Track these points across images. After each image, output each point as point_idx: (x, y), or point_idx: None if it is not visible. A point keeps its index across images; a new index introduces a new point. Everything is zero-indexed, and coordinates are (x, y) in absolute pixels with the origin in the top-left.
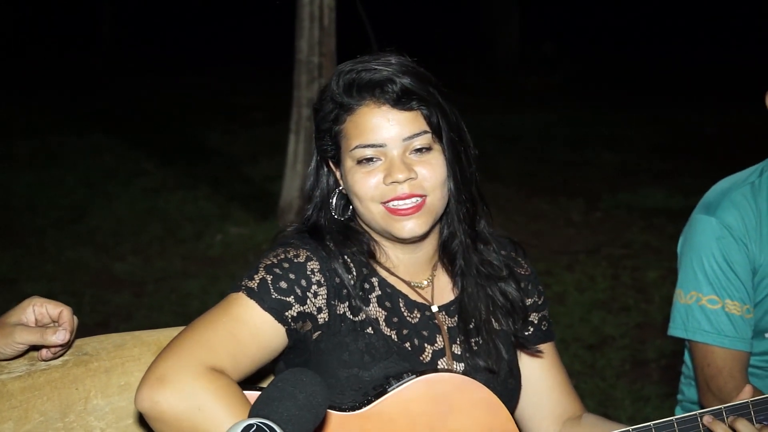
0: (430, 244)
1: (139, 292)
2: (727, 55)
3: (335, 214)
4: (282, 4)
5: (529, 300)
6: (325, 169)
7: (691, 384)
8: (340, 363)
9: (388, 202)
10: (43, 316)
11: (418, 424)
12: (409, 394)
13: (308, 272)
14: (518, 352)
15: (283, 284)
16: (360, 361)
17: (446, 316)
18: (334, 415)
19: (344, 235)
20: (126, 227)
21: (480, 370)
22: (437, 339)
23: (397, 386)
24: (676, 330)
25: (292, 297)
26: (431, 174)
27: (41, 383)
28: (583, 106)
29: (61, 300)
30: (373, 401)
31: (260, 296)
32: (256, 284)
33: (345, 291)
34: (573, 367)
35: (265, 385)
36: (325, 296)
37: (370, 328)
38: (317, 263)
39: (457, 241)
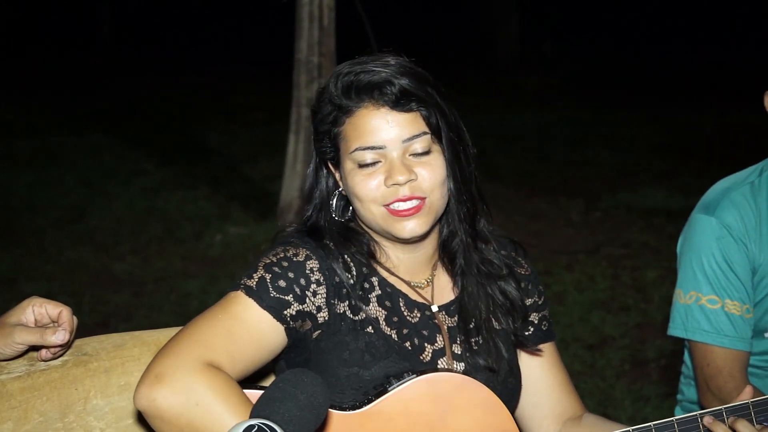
0: (430, 244)
1: (138, 292)
2: (726, 55)
3: (335, 215)
4: (283, 4)
5: (530, 300)
6: (324, 171)
7: (690, 384)
8: (340, 362)
9: (390, 204)
10: (43, 316)
11: (418, 424)
12: (409, 394)
13: (307, 271)
14: (518, 352)
15: (282, 283)
16: (360, 360)
17: (446, 316)
18: (334, 414)
19: (344, 236)
20: (125, 227)
21: (480, 369)
22: (437, 338)
23: (398, 386)
24: (675, 330)
25: (291, 296)
26: (431, 175)
27: (41, 383)
28: (582, 106)
29: (60, 300)
30: (373, 400)
31: (259, 295)
32: (254, 283)
33: (344, 290)
34: (573, 367)
35: (265, 384)
36: (325, 295)
37: (370, 327)
38: (316, 262)
39: (457, 240)
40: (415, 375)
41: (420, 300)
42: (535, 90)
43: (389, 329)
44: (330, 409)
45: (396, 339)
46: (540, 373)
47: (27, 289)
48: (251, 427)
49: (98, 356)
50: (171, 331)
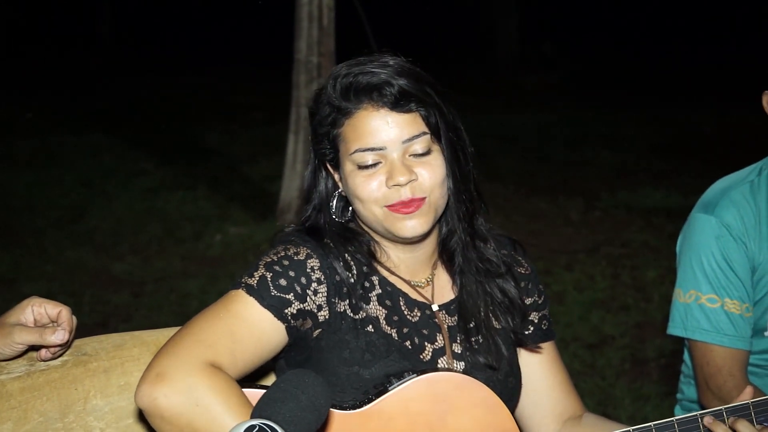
0: (431, 243)
1: (138, 292)
2: (726, 55)
3: (335, 216)
4: (283, 3)
5: (530, 299)
6: (323, 173)
7: (690, 383)
8: (340, 361)
9: (391, 205)
10: (42, 316)
11: (418, 423)
12: (409, 393)
13: (308, 270)
14: (519, 351)
15: (283, 281)
16: (360, 360)
17: (446, 315)
18: (334, 413)
19: (344, 236)
20: (125, 227)
21: (480, 367)
22: (437, 338)
23: (398, 385)
24: (675, 329)
25: (292, 294)
26: (431, 174)
27: (40, 383)
28: (582, 106)
29: (60, 300)
30: (373, 400)
31: (260, 293)
32: (255, 281)
33: (345, 289)
34: (572, 367)
35: (266, 382)
36: (325, 294)
37: (370, 326)
38: (317, 261)
39: (456, 238)
40: (415, 374)
41: (420, 299)
42: (535, 90)
43: (389, 328)
44: (330, 409)
45: (396, 338)
46: (540, 372)
47: (27, 290)
48: (252, 427)
49: (98, 356)
50: (171, 331)
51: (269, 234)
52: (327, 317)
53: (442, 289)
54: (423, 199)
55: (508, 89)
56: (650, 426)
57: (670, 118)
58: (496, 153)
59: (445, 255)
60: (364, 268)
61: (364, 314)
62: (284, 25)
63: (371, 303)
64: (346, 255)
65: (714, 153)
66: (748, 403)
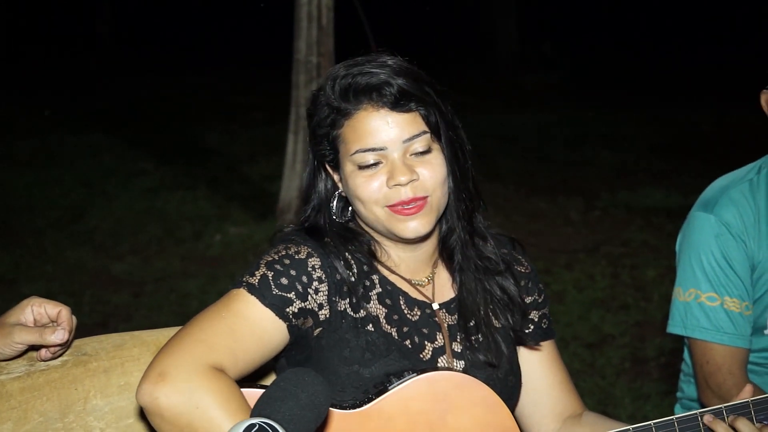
0: (431, 242)
1: (138, 293)
2: (726, 55)
3: (335, 216)
4: (282, 3)
5: (530, 298)
6: (323, 173)
7: (690, 381)
8: (340, 360)
9: (393, 205)
10: (42, 316)
11: (417, 423)
12: (409, 393)
13: (309, 268)
14: (519, 350)
15: (284, 280)
16: (361, 359)
17: (446, 314)
18: (334, 413)
19: (344, 236)
20: (125, 227)
21: (480, 366)
22: (437, 336)
23: (398, 384)
24: (674, 327)
25: (293, 293)
26: (432, 174)
27: (40, 383)
28: (582, 106)
29: (60, 300)
30: (373, 399)
31: (261, 292)
32: (257, 280)
33: (345, 288)
34: (572, 366)
35: (266, 382)
36: (326, 293)
37: (370, 325)
38: (318, 260)
39: (455, 236)
40: (415, 374)
41: (420, 298)
42: (535, 90)
43: (390, 327)
44: (330, 408)
45: (396, 337)
46: (540, 371)
47: (26, 290)
48: (252, 425)
49: (98, 356)
50: (171, 331)
51: (269, 234)
52: (327, 316)
53: (443, 288)
54: (424, 198)
55: (508, 89)
56: (650, 424)
57: (670, 118)
58: (496, 153)
59: (445, 253)
60: (365, 267)
61: (365, 313)
62: (284, 25)
63: (371, 302)
64: (347, 254)
65: (714, 153)
66: (747, 401)
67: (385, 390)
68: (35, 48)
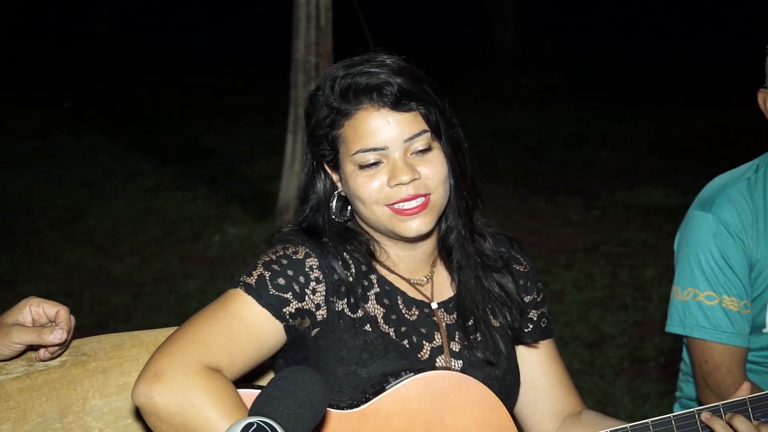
0: (431, 241)
1: (137, 293)
2: (726, 55)
3: (334, 216)
4: (281, 3)
5: (529, 297)
6: (321, 173)
7: (689, 381)
8: (338, 360)
9: (394, 204)
10: (40, 316)
11: (415, 422)
12: (406, 392)
13: (307, 269)
14: (518, 349)
15: (282, 281)
16: (358, 359)
17: (445, 313)
18: (332, 413)
19: (343, 236)
20: (124, 227)
21: (478, 365)
22: (435, 336)
23: (395, 384)
24: (673, 326)
25: (290, 293)
26: (433, 172)
27: (39, 384)
28: (581, 106)
29: (59, 301)
30: (371, 399)
31: (258, 292)
32: (254, 280)
33: (343, 288)
34: (572, 366)
35: (263, 382)
36: (324, 293)
37: (368, 326)
38: (316, 260)
39: (454, 234)
40: (412, 373)
41: (419, 297)
42: (534, 89)
43: (387, 327)
44: (328, 408)
45: (394, 337)
46: (539, 370)
47: (26, 290)
48: (250, 424)
49: (97, 356)
50: (169, 332)
51: (268, 234)
52: (325, 316)
53: (442, 287)
54: (426, 195)
55: (508, 89)
56: (647, 423)
57: (669, 117)
58: (496, 153)
59: (444, 252)
60: (363, 267)
61: (362, 313)
62: (282, 25)
63: (369, 302)
64: (345, 254)
65: (713, 152)
66: (745, 399)
67: (382, 390)
68: (35, 48)
